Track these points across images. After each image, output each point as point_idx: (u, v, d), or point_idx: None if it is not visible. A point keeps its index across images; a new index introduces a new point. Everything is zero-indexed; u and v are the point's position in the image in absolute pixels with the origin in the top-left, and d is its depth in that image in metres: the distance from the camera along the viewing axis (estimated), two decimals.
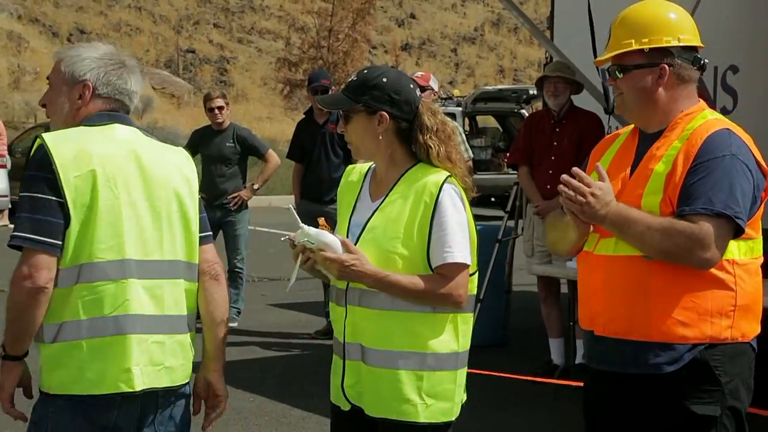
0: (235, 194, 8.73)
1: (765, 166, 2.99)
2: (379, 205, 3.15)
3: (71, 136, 2.96)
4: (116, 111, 3.08)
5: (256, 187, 8.85)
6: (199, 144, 8.92)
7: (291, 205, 3.21)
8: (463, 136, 7.91)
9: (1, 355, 2.90)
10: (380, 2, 38.59)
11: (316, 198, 8.14)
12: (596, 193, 2.91)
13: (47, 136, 2.92)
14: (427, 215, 3.05)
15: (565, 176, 2.96)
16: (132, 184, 2.96)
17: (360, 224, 3.16)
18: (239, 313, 8.90)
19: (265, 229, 14.44)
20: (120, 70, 3.08)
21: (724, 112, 6.90)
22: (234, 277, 8.86)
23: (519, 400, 6.48)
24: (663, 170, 2.93)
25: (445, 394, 3.10)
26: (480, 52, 41.21)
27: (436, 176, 3.10)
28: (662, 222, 2.86)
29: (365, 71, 3.22)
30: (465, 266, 3.08)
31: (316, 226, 3.15)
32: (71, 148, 2.90)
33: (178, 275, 3.04)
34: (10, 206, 16.14)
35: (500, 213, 7.97)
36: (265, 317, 9.16)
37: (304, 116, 8.78)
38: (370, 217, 3.14)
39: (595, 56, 6.82)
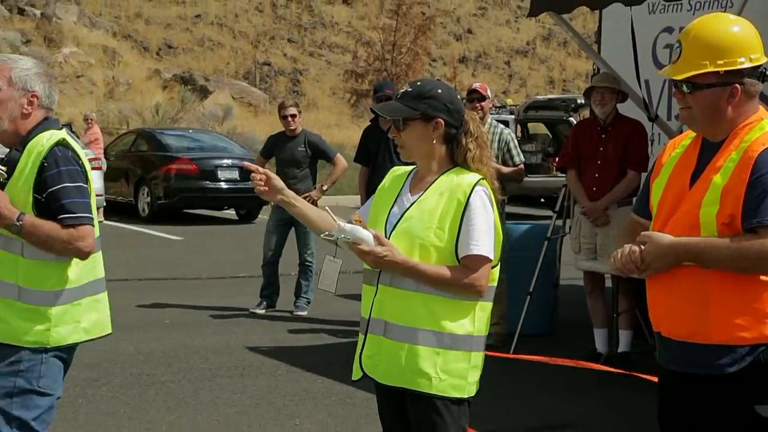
0: (306, 195, 8.76)
1: None
2: (417, 198, 3.24)
3: (70, 138, 3.41)
4: (51, 118, 3.47)
5: (325, 188, 8.88)
6: (274, 148, 9.00)
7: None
8: (515, 141, 7.87)
9: (18, 227, 3.28)
10: (440, 18, 38.51)
11: None
12: (645, 259, 2.85)
13: (67, 138, 3.40)
14: (459, 211, 3.14)
15: (612, 258, 2.92)
16: None
17: (398, 214, 3.25)
18: (309, 302, 8.96)
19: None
20: (54, 84, 3.49)
21: None
22: (304, 270, 8.92)
23: (564, 385, 6.43)
24: (720, 182, 2.84)
25: (458, 372, 3.17)
26: (532, 64, 40.93)
27: (470, 177, 3.20)
28: (730, 245, 2.78)
29: (419, 83, 3.28)
30: (488, 259, 3.15)
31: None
32: (80, 148, 3.42)
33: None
34: (105, 204, 16.39)
35: (549, 213, 7.91)
36: (332, 307, 9.18)
37: (369, 123, 8.81)
38: (408, 208, 3.24)
39: (637, 71, 6.74)
